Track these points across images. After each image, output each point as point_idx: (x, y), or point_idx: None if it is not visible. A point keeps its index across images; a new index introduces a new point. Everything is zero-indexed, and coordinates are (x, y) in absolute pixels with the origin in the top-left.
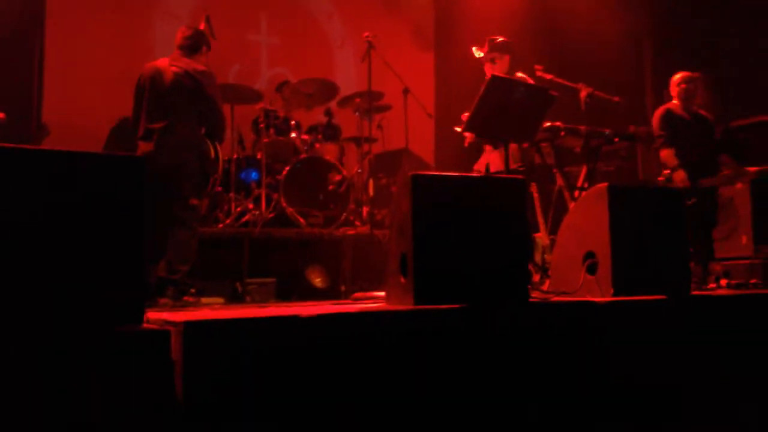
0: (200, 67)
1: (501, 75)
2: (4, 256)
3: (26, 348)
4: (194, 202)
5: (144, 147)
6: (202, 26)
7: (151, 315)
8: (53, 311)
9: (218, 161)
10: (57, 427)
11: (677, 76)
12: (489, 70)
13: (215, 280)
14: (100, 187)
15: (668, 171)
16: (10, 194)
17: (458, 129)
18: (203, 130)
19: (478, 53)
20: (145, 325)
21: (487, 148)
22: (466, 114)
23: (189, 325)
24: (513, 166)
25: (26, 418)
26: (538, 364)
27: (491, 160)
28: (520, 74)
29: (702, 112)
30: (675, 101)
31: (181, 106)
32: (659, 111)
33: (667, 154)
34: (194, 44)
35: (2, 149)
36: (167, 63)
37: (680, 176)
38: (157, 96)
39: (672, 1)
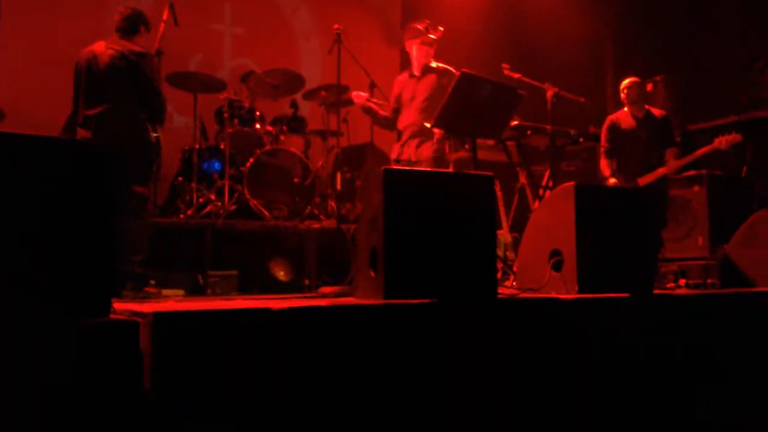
0: (137, 49)
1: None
2: None
3: None
4: (139, 189)
5: (83, 134)
6: (165, 14)
7: (118, 306)
8: (14, 301)
9: (159, 146)
10: (22, 421)
11: (624, 82)
12: (420, 53)
13: (176, 271)
14: (63, 173)
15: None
16: None
17: (428, 124)
18: (144, 114)
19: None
20: (112, 316)
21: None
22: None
23: (158, 316)
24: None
25: None
26: (506, 360)
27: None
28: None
29: (654, 111)
30: (625, 108)
31: (119, 90)
32: (606, 122)
33: (602, 165)
34: (131, 25)
35: None
36: (104, 46)
37: (610, 185)
38: (93, 81)
39: (634, 6)
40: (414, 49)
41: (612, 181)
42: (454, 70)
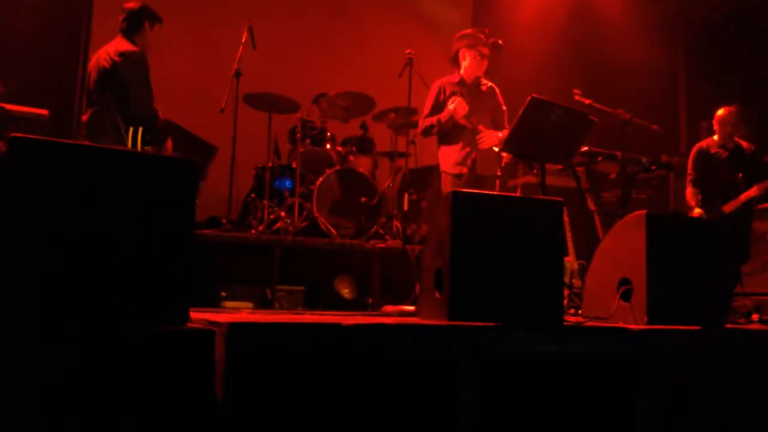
0: (123, 48)
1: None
2: (59, 250)
3: (76, 343)
4: None
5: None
6: (244, 36)
7: (194, 315)
8: (104, 306)
9: (136, 148)
10: (100, 422)
11: (719, 113)
12: (474, 61)
13: (245, 284)
14: (153, 187)
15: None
16: (66, 191)
17: (496, 149)
18: (121, 116)
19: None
20: (188, 325)
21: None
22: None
23: (234, 326)
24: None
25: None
26: (570, 388)
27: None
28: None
29: (743, 143)
30: (715, 137)
31: (101, 93)
32: (693, 150)
33: (688, 193)
34: (132, 24)
35: (66, 145)
36: (104, 49)
37: (696, 215)
38: (87, 86)
39: (706, 33)
40: (468, 59)
41: (697, 211)
42: (497, 92)
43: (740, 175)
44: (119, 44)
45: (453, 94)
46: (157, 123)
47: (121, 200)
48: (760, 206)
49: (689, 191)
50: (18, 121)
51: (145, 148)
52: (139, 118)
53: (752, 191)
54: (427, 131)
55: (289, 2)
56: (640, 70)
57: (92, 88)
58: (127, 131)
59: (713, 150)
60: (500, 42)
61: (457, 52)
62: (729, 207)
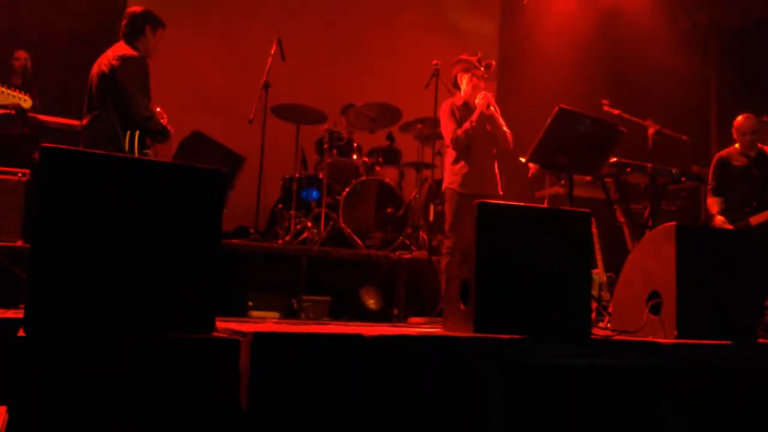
0: (122, 52)
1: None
2: (87, 258)
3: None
4: None
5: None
6: (273, 48)
7: (220, 324)
8: (128, 315)
9: (134, 152)
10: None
11: (738, 120)
12: (470, 83)
13: (272, 294)
14: (181, 196)
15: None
16: (96, 200)
17: (523, 159)
18: (118, 120)
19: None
20: (214, 334)
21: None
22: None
23: (258, 336)
24: None
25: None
26: (597, 401)
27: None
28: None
29: (766, 149)
30: (736, 145)
31: (100, 98)
32: (714, 158)
33: (709, 203)
34: (132, 29)
35: (96, 156)
36: (104, 54)
37: (718, 223)
38: (87, 91)
39: (737, 43)
40: (464, 82)
41: (719, 219)
42: (497, 115)
43: (763, 181)
44: (119, 49)
45: (460, 112)
46: (153, 126)
47: (149, 209)
48: None
49: (710, 200)
50: (53, 132)
51: (145, 152)
52: (136, 121)
53: None
54: (458, 141)
55: (317, 15)
56: (670, 80)
57: (93, 93)
58: (124, 135)
59: (735, 158)
60: (492, 63)
61: (456, 76)
62: (756, 219)
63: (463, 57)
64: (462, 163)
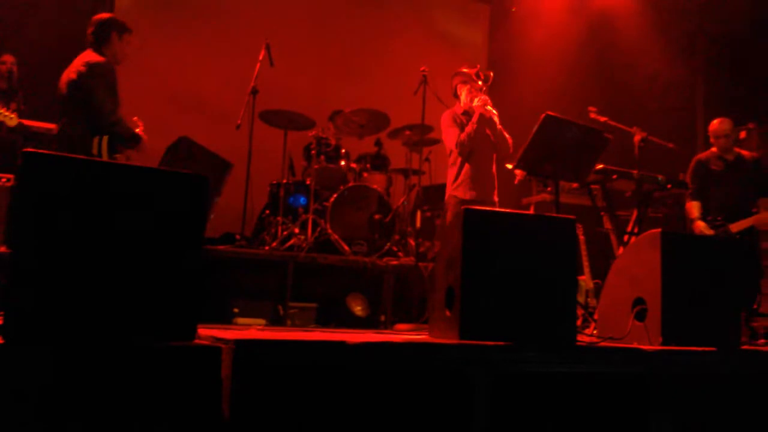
0: (89, 59)
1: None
2: (67, 262)
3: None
4: None
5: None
6: (261, 54)
7: (202, 331)
8: (108, 320)
9: (102, 157)
10: None
11: (713, 124)
12: (469, 95)
13: (258, 301)
14: (163, 202)
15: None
16: (77, 204)
17: (509, 166)
18: (87, 125)
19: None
20: (196, 341)
21: None
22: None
23: (240, 343)
24: None
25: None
26: (583, 408)
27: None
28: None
29: (745, 153)
30: (713, 149)
31: (70, 105)
32: (692, 161)
33: (688, 207)
34: (98, 36)
35: (76, 161)
36: (72, 62)
37: (698, 228)
38: (57, 97)
39: (724, 50)
40: (464, 94)
41: (700, 224)
42: (496, 119)
43: (741, 186)
44: (86, 56)
45: (462, 120)
46: (121, 130)
47: (130, 215)
48: None
49: (689, 204)
50: (39, 136)
51: (114, 156)
52: (104, 126)
53: (761, 217)
54: (463, 145)
55: (305, 21)
56: (658, 88)
57: (62, 100)
58: (92, 140)
59: (713, 162)
60: (491, 74)
61: (455, 87)
62: (736, 227)
63: (463, 69)
64: (465, 171)
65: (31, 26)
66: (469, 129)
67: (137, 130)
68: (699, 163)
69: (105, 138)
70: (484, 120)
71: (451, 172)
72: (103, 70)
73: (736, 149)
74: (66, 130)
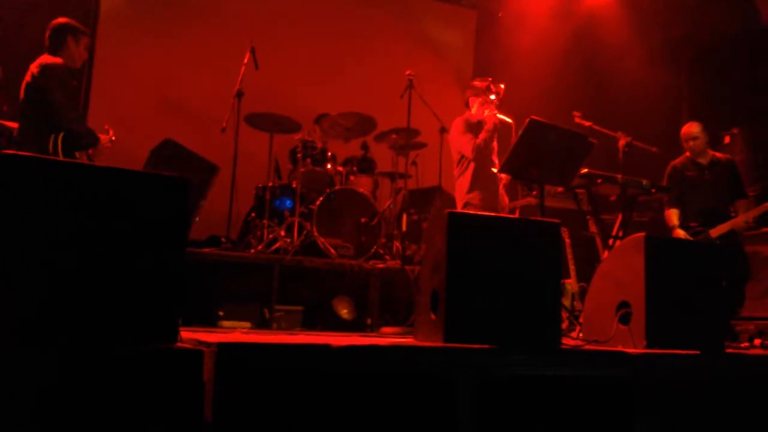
0: (45, 61)
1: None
2: (47, 266)
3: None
4: None
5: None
6: (246, 57)
7: (185, 334)
8: (90, 323)
9: (57, 155)
10: None
11: (684, 127)
12: (480, 107)
13: (244, 304)
14: (144, 204)
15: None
16: (56, 207)
17: (494, 170)
18: (44, 126)
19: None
20: (178, 344)
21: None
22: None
23: (222, 346)
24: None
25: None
26: (568, 411)
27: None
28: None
29: (719, 156)
30: (687, 153)
31: (27, 107)
32: (668, 167)
33: (667, 214)
34: (54, 41)
35: (56, 163)
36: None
37: (677, 236)
38: (20, 100)
39: (709, 55)
40: (476, 106)
41: (679, 232)
42: (510, 121)
43: (716, 189)
44: (42, 59)
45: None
46: (77, 130)
47: (111, 217)
48: (758, 231)
49: (668, 212)
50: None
51: (74, 154)
52: (62, 124)
53: (736, 222)
54: (479, 149)
55: (291, 24)
56: (644, 93)
57: (21, 103)
58: (48, 139)
59: (688, 167)
60: (502, 86)
61: (468, 99)
62: (716, 232)
63: (475, 83)
64: (479, 180)
65: (31, 26)
66: (484, 135)
67: (106, 136)
68: (674, 169)
69: (60, 135)
70: (497, 129)
71: (463, 180)
72: (58, 71)
73: (711, 152)
74: (23, 131)
